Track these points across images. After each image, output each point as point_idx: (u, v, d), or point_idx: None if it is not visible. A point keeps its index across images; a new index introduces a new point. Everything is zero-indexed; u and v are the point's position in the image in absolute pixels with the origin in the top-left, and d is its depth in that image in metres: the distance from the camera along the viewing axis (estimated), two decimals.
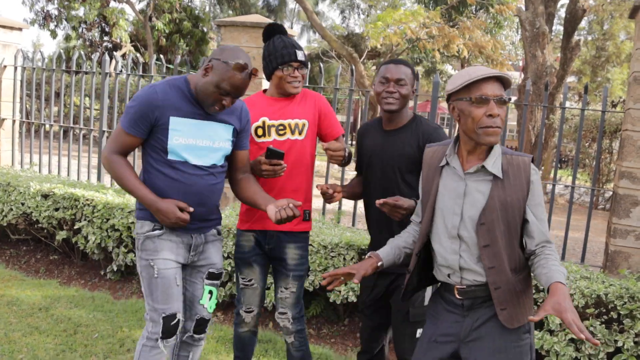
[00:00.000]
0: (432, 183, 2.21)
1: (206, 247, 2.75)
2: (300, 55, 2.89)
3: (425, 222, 2.22)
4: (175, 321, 2.60)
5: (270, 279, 3.89)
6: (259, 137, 2.94)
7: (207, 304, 2.78)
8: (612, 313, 3.39)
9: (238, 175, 2.81)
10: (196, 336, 2.81)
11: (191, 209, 2.57)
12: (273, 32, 2.97)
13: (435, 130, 2.79)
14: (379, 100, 2.75)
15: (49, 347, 3.69)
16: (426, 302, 2.75)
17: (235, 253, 3.07)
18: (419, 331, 2.79)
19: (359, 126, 4.53)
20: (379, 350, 3.04)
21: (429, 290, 2.75)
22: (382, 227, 2.84)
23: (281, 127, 2.94)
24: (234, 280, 4.26)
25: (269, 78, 2.97)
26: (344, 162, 2.90)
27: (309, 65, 2.98)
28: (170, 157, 2.54)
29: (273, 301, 3.79)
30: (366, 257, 2.34)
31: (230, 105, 2.53)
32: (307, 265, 3.07)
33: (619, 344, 3.34)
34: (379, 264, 2.29)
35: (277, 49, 2.89)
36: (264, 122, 2.94)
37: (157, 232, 2.61)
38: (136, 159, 5.71)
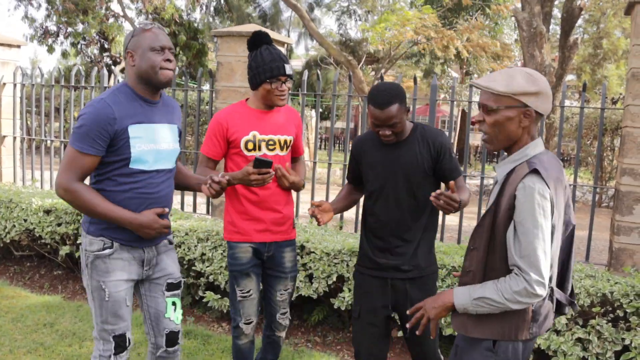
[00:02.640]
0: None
1: (160, 259, 2.69)
2: (288, 69, 2.91)
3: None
4: (125, 340, 2.60)
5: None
6: (249, 150, 2.96)
7: (173, 315, 2.73)
8: (618, 311, 3.37)
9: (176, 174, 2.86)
10: (170, 349, 2.75)
11: (167, 210, 2.56)
12: (259, 41, 2.97)
13: (441, 134, 2.80)
14: (376, 133, 2.76)
15: None
16: None
17: (232, 266, 3.05)
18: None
19: (359, 132, 4.52)
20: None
21: None
22: (388, 234, 2.82)
23: (271, 142, 3.00)
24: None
25: (254, 88, 2.98)
26: (296, 188, 3.08)
27: (294, 79, 3.01)
28: (133, 165, 2.47)
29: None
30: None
31: (173, 60, 2.49)
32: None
33: (627, 342, 3.32)
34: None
35: (266, 61, 2.89)
36: (254, 136, 2.96)
37: (107, 251, 2.51)
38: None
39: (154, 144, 2.53)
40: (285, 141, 3.04)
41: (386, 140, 2.72)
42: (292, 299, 3.30)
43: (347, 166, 3.05)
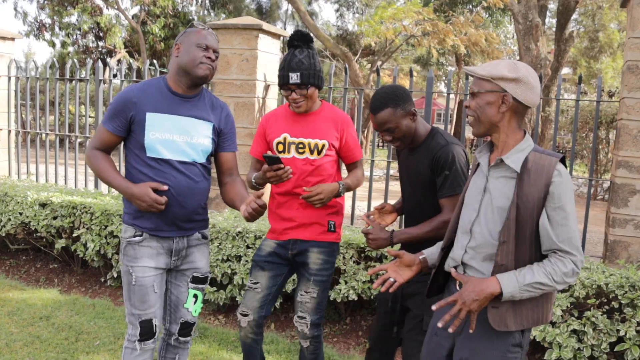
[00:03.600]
0: (468, 180, 2.24)
1: (190, 252, 2.75)
2: (293, 79, 2.84)
3: (454, 216, 2.25)
4: (151, 325, 2.66)
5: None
6: (280, 152, 2.95)
7: (192, 307, 2.80)
8: (613, 303, 3.39)
9: (224, 179, 2.85)
10: (182, 339, 2.83)
11: (165, 187, 2.57)
12: (291, 42, 2.93)
13: (442, 147, 2.63)
14: None
15: (51, 356, 3.68)
16: None
17: (254, 256, 3.07)
18: None
19: (355, 125, 4.52)
20: (388, 351, 2.99)
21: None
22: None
23: (301, 145, 2.94)
24: (234, 283, 4.26)
25: None
26: (336, 195, 2.93)
27: (314, 81, 2.93)
28: (149, 154, 2.58)
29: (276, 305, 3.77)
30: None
31: (215, 60, 2.61)
32: (331, 272, 3.03)
33: (621, 333, 3.33)
34: (421, 257, 2.33)
35: (282, 67, 2.89)
36: (285, 139, 2.95)
37: (137, 238, 2.64)
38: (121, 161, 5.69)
39: (169, 134, 2.59)
40: (316, 145, 2.93)
41: (395, 147, 2.72)
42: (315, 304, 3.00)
43: None
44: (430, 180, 2.67)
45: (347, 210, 5.85)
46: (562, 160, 2.02)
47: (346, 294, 3.99)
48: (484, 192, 2.11)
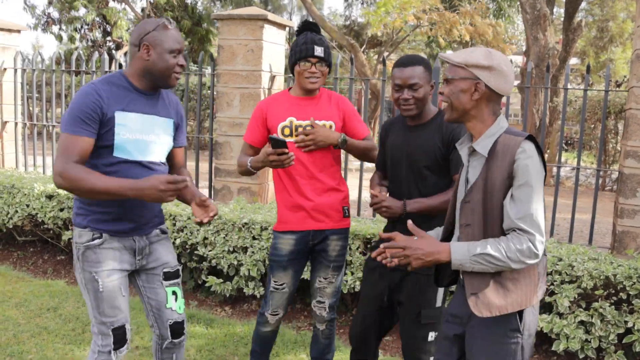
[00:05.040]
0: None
1: (153, 248, 2.62)
2: (318, 51, 2.85)
3: (449, 210, 2.25)
4: (124, 332, 2.54)
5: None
6: (286, 136, 2.93)
7: (175, 305, 2.66)
8: (621, 294, 3.37)
9: (174, 172, 2.75)
10: (176, 341, 2.70)
11: (184, 179, 2.34)
12: (304, 29, 2.95)
13: (457, 125, 2.65)
14: (397, 106, 2.70)
15: (58, 347, 3.70)
16: (438, 304, 2.70)
17: (271, 255, 3.05)
18: (432, 334, 2.71)
19: (361, 115, 4.50)
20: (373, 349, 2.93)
21: (440, 292, 2.70)
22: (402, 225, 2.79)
23: (308, 128, 2.93)
24: (240, 275, 4.26)
25: (292, 73, 2.98)
26: (335, 146, 2.93)
27: (330, 62, 2.96)
28: (116, 154, 2.41)
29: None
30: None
31: (184, 64, 2.47)
32: (346, 257, 3.10)
33: (629, 324, 3.32)
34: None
35: (298, 44, 2.89)
36: (291, 122, 2.94)
37: (97, 241, 2.46)
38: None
39: (140, 134, 2.46)
40: (324, 125, 2.95)
41: (406, 110, 2.66)
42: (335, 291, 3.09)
43: (378, 152, 2.99)
44: (440, 157, 2.65)
45: (353, 197, 5.84)
46: (532, 140, 1.98)
47: (353, 286, 3.98)
48: (466, 182, 2.11)
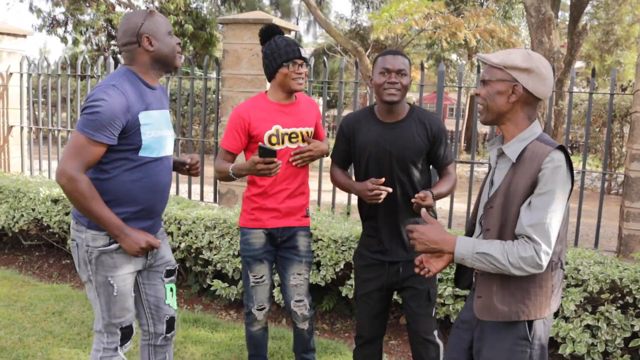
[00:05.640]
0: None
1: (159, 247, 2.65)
2: (303, 53, 2.92)
3: (473, 210, 2.25)
4: (131, 328, 2.59)
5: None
6: (273, 144, 2.96)
7: (172, 301, 2.73)
8: (627, 297, 3.35)
9: None
10: (168, 336, 2.74)
11: (159, 242, 2.47)
12: (271, 33, 2.98)
13: (438, 118, 2.85)
14: (379, 92, 2.72)
15: (63, 351, 3.70)
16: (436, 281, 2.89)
17: (244, 252, 3.08)
18: (435, 310, 2.92)
19: None
20: (377, 339, 3.01)
21: None
22: (388, 219, 2.85)
23: (294, 135, 3.00)
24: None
25: (270, 78, 2.97)
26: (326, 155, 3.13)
27: (310, 64, 3.02)
28: (142, 153, 2.40)
29: (281, 297, 3.75)
30: None
31: (180, 41, 2.51)
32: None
33: (636, 328, 3.30)
34: None
35: (280, 47, 2.90)
36: (277, 130, 2.96)
37: (113, 246, 2.43)
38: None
39: (160, 130, 2.48)
40: (307, 133, 3.04)
41: (391, 95, 2.69)
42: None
43: (334, 146, 3.00)
44: (425, 150, 2.79)
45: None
46: (563, 150, 1.92)
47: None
48: (490, 184, 2.10)
